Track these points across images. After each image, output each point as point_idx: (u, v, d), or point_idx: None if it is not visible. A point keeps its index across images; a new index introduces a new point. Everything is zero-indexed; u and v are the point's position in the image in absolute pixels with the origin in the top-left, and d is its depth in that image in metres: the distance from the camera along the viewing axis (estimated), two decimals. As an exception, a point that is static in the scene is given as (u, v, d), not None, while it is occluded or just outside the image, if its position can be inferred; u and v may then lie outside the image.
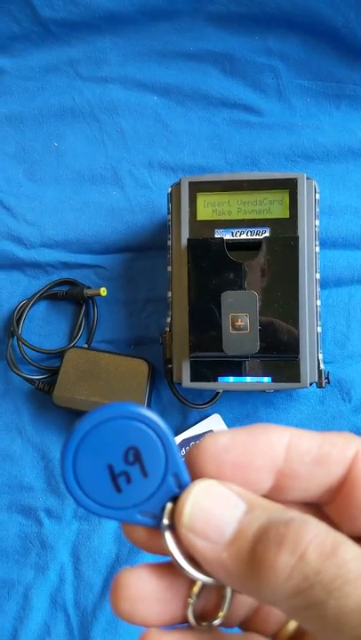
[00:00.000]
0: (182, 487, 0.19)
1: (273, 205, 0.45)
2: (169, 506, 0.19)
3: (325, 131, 0.55)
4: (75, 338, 0.53)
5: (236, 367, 0.45)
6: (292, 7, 0.54)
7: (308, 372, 0.44)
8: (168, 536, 0.19)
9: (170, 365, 0.47)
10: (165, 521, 0.19)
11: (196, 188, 0.46)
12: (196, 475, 0.19)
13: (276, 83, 0.57)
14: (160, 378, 0.52)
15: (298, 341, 0.43)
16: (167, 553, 0.19)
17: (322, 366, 0.45)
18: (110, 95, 0.58)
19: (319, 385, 0.45)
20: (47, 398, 0.51)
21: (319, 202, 0.47)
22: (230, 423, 0.51)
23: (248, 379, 0.45)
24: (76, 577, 0.49)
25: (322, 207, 0.50)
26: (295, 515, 0.17)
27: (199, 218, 0.45)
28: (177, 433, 0.51)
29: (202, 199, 0.46)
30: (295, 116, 0.56)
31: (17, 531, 0.51)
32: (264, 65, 0.57)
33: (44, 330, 0.55)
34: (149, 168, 0.56)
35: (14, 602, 0.50)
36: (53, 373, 0.52)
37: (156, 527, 0.19)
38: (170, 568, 0.19)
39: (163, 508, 0.19)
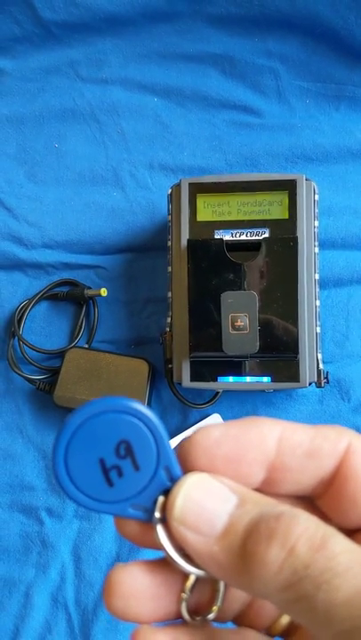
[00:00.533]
0: (174, 480, 0.19)
1: (272, 206, 0.45)
2: (161, 499, 0.19)
3: (325, 132, 0.56)
4: (75, 338, 0.53)
5: (235, 367, 0.45)
6: (292, 9, 0.54)
7: (307, 371, 0.45)
8: (160, 529, 0.19)
9: (170, 365, 0.47)
10: (157, 514, 0.19)
11: (196, 189, 0.46)
12: (188, 468, 0.19)
13: (275, 84, 0.57)
14: (160, 378, 0.52)
15: (297, 341, 0.44)
16: (159, 546, 0.19)
17: (321, 366, 0.46)
18: (111, 96, 0.58)
19: (318, 385, 0.46)
20: (48, 398, 0.51)
21: (318, 203, 0.47)
22: (230, 423, 0.51)
23: (248, 378, 0.45)
24: (76, 575, 0.50)
25: (321, 208, 0.50)
26: (286, 508, 0.17)
27: (199, 219, 0.46)
28: (177, 432, 0.51)
29: (202, 200, 0.46)
30: (295, 118, 0.57)
31: (18, 530, 0.51)
32: (264, 66, 0.57)
33: (44, 330, 0.55)
34: (150, 169, 0.57)
35: (16, 600, 0.50)
36: (54, 373, 0.52)
37: (149, 521, 0.19)
38: (163, 564, 0.19)
39: (155, 502, 0.19)
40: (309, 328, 0.45)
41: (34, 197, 0.57)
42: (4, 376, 0.54)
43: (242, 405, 0.52)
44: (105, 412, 0.18)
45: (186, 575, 0.19)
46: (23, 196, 0.57)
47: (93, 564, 0.50)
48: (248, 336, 0.43)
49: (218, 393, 0.50)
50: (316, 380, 0.45)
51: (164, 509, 0.19)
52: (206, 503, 0.18)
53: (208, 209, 0.46)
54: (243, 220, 0.45)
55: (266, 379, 0.45)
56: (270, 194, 0.45)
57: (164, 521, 0.19)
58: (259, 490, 0.19)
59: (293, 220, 0.45)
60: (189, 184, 0.46)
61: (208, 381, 0.46)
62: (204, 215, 0.46)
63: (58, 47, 0.59)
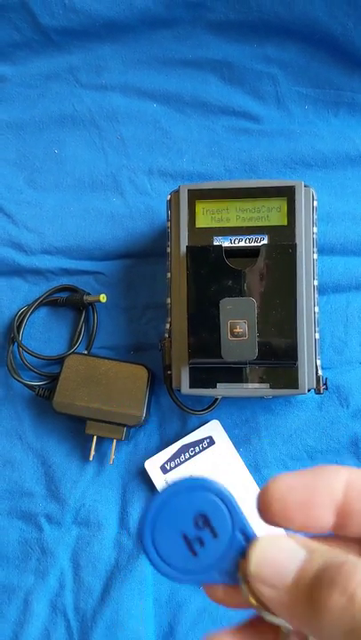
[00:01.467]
0: (249, 540, 0.21)
1: (271, 213, 0.45)
2: (241, 560, 0.20)
3: (324, 138, 0.56)
4: (75, 344, 0.53)
5: (234, 373, 0.45)
6: (291, 15, 0.54)
7: (306, 378, 0.45)
8: (244, 588, 0.20)
9: (169, 372, 0.47)
10: (241, 575, 0.20)
11: (195, 195, 0.46)
12: (265, 514, 0.20)
13: (274, 90, 0.57)
14: (159, 384, 0.52)
15: (296, 348, 0.44)
16: (249, 604, 0.20)
17: (320, 372, 0.46)
18: (110, 102, 0.58)
19: (317, 391, 0.45)
20: (47, 404, 0.51)
21: (317, 209, 0.47)
22: (229, 429, 0.51)
23: (247, 385, 0.45)
24: (75, 582, 0.50)
25: (320, 214, 0.50)
26: (349, 558, 0.18)
27: (198, 225, 0.46)
28: (176, 439, 0.51)
29: (200, 206, 0.46)
30: (294, 124, 0.57)
31: (17, 536, 0.51)
32: (263, 72, 0.57)
33: (44, 336, 0.55)
34: (149, 175, 0.57)
35: (14, 607, 0.50)
36: (53, 379, 0.52)
37: (232, 582, 0.21)
38: (249, 628, 0.21)
39: (236, 564, 0.21)
40: (308, 334, 0.45)
41: (33, 203, 0.57)
42: (4, 382, 0.54)
43: (241, 412, 0.52)
44: (179, 492, 0.21)
45: (276, 637, 0.21)
46: (23, 201, 0.57)
47: (92, 570, 0.50)
48: (247, 342, 0.43)
49: (217, 399, 0.50)
50: (315, 386, 0.45)
51: (245, 570, 0.20)
52: (278, 560, 0.19)
53: (207, 215, 0.46)
54: (241, 227, 0.45)
55: (265, 385, 0.45)
56: (269, 200, 0.45)
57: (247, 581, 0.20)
58: (331, 532, 0.20)
59: (292, 227, 0.45)
60: (188, 190, 0.46)
61: (207, 388, 0.45)
62: (202, 221, 0.46)
63: (57, 53, 0.59)
